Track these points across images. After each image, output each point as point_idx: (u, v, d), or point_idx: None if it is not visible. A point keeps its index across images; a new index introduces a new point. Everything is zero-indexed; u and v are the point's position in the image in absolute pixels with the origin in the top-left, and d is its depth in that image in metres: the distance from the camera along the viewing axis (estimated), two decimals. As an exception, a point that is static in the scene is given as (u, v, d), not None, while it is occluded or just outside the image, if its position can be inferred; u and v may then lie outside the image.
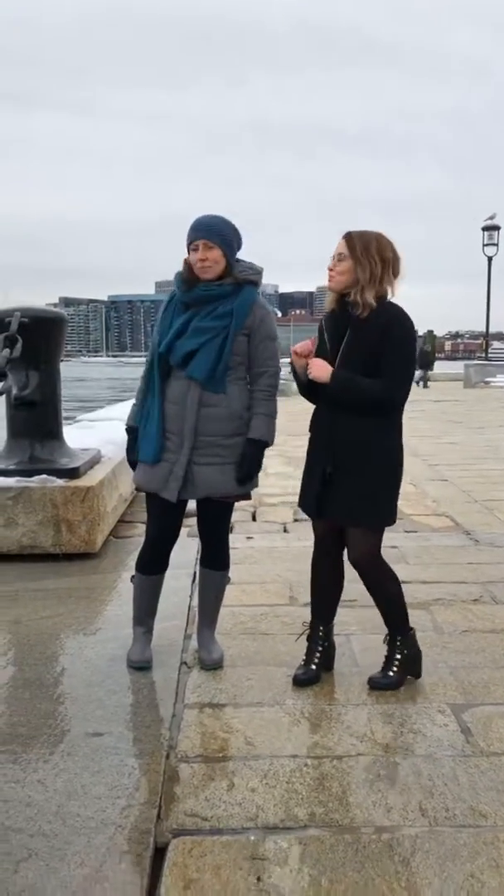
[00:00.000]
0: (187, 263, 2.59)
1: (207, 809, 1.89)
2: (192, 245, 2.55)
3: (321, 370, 2.43)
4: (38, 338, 4.29)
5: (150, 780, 2.00)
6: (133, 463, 2.73)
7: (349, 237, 2.45)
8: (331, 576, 2.66)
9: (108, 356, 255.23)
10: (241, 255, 2.69)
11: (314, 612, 2.69)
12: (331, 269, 2.46)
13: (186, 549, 3.61)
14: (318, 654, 2.62)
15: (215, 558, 2.82)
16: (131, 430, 2.72)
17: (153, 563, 2.76)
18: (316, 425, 2.59)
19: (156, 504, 2.68)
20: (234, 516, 5.32)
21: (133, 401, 2.81)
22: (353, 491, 2.45)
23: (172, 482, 2.59)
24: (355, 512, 2.48)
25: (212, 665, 2.72)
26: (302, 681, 2.57)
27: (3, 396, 3.49)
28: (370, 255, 2.40)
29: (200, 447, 2.58)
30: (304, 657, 2.64)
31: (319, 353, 2.52)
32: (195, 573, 3.47)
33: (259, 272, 2.67)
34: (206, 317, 2.57)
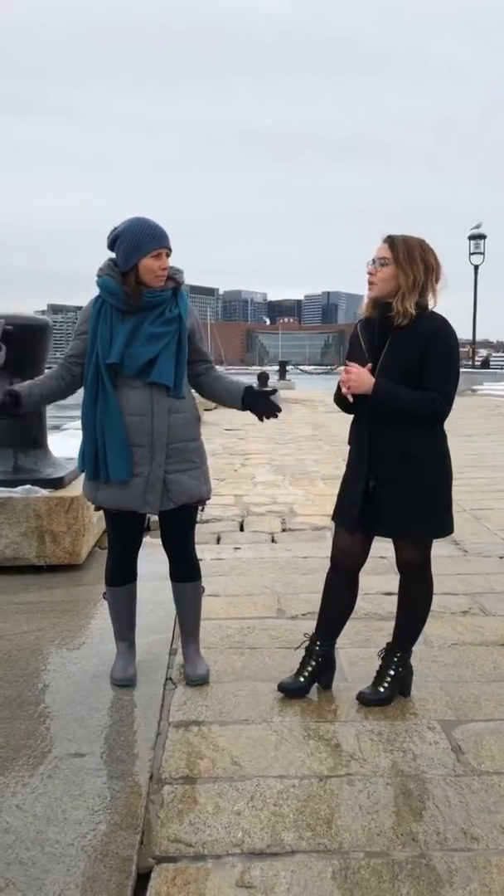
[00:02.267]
0: (132, 274, 2.45)
1: (192, 834, 1.84)
2: (153, 252, 2.44)
3: (360, 382, 2.32)
4: (23, 346, 4.22)
5: (132, 804, 1.94)
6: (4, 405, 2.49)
7: (392, 242, 2.34)
8: (345, 594, 2.58)
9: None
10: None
11: (319, 628, 2.61)
12: (371, 275, 2.35)
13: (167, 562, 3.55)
14: (310, 668, 2.56)
15: (187, 569, 2.74)
16: (11, 393, 2.50)
17: (123, 575, 2.71)
18: (356, 437, 2.49)
19: (120, 520, 2.63)
20: (221, 526, 5.31)
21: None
22: (399, 502, 2.38)
23: (150, 495, 2.51)
24: (402, 525, 2.41)
25: (197, 680, 2.66)
26: (287, 688, 2.52)
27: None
28: (414, 261, 2.31)
29: (171, 455, 2.52)
30: (298, 667, 2.58)
31: (355, 362, 2.39)
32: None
33: (182, 272, 2.59)
34: (156, 322, 2.49)
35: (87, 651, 2.94)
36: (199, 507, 2.69)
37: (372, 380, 2.32)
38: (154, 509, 2.55)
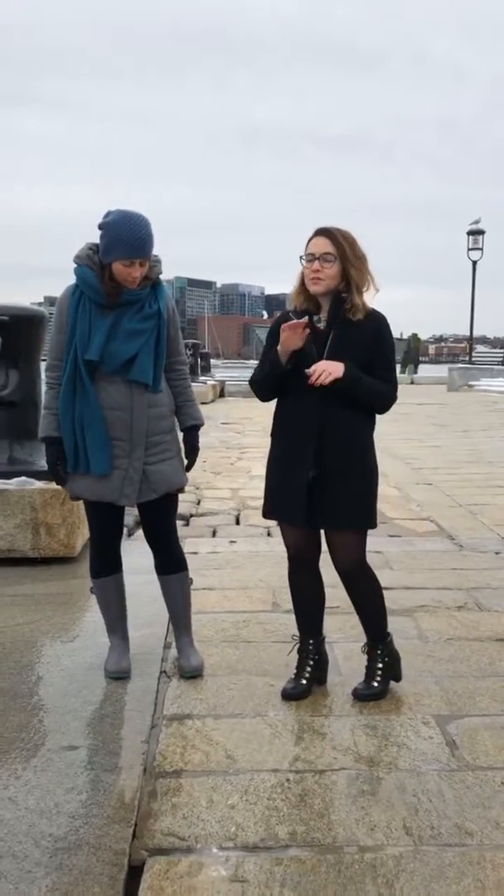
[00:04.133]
0: (108, 269, 2.42)
1: (185, 828, 1.83)
2: (125, 261, 2.40)
3: (333, 367, 2.25)
4: (18, 336, 4.21)
5: (125, 797, 1.93)
6: (60, 476, 2.59)
7: (332, 236, 2.31)
8: (311, 587, 2.57)
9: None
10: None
11: (300, 627, 2.62)
12: (317, 272, 2.30)
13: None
14: (308, 668, 2.55)
15: (170, 561, 2.72)
16: (52, 441, 2.55)
17: (107, 566, 2.72)
18: (297, 425, 2.39)
19: (99, 511, 2.62)
20: (217, 520, 5.30)
21: (43, 410, 2.62)
22: (345, 494, 2.36)
23: (128, 487, 2.52)
24: (347, 516, 2.39)
25: (191, 672, 2.65)
26: (291, 695, 2.49)
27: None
28: (357, 255, 2.33)
29: (149, 447, 2.54)
30: (295, 670, 2.56)
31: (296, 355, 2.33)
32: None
33: (159, 262, 2.55)
34: (135, 318, 2.48)
35: (82, 644, 2.93)
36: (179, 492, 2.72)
37: (342, 365, 2.28)
38: (131, 502, 2.56)
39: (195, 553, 4.23)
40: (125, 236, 2.39)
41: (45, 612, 3.29)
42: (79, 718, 2.33)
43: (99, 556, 2.73)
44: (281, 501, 2.45)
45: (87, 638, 2.98)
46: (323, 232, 2.34)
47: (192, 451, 2.72)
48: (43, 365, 4.65)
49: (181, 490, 2.72)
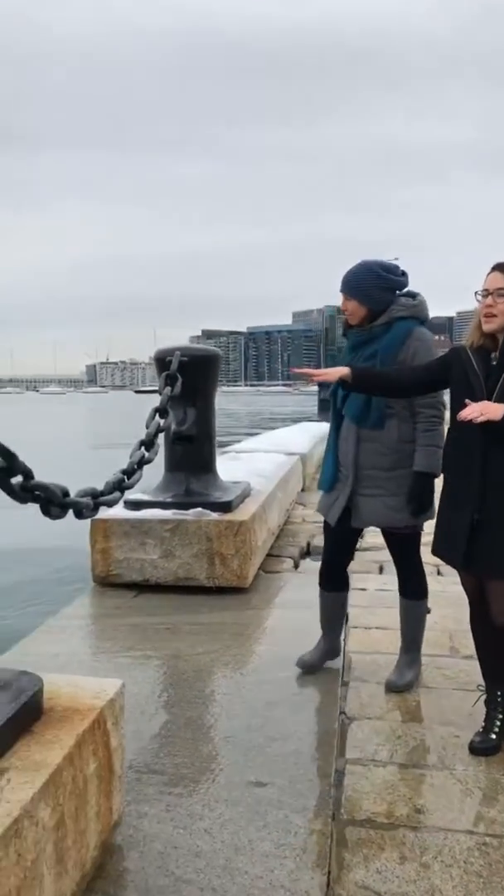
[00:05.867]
0: None
1: (380, 883, 1.78)
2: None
3: (494, 407, 2.16)
4: (196, 375, 4.43)
5: (317, 842, 1.92)
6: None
7: None
8: (494, 633, 2.42)
9: (247, 385, 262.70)
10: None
11: (485, 676, 2.49)
12: (490, 307, 2.24)
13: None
14: (498, 722, 2.41)
15: (404, 587, 2.97)
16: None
17: (328, 581, 3.03)
18: (459, 459, 2.34)
19: (327, 528, 2.97)
20: (384, 555, 5.18)
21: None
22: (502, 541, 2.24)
23: (335, 509, 2.86)
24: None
25: (395, 688, 2.82)
26: (480, 750, 2.37)
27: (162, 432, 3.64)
28: None
29: (363, 479, 2.79)
30: (483, 723, 2.44)
31: (460, 388, 2.32)
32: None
33: (410, 306, 2.78)
34: (359, 359, 2.78)
35: (261, 677, 2.98)
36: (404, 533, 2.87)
37: (502, 408, 2.15)
38: (332, 521, 2.88)
39: (363, 589, 4.18)
40: None
41: (223, 641, 3.39)
42: (263, 754, 2.36)
43: (324, 570, 3.04)
44: (443, 540, 2.40)
45: (265, 672, 3.03)
46: (499, 267, 2.29)
47: (410, 492, 2.75)
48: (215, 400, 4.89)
49: (396, 530, 2.85)
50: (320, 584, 3.05)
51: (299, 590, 4.27)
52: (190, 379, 4.40)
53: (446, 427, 2.56)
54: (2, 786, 1.38)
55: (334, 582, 3.02)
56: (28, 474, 1.91)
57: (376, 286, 2.77)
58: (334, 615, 3.07)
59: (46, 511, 2.09)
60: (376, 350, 2.75)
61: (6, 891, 1.25)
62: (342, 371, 2.61)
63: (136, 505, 4.31)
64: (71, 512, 2.18)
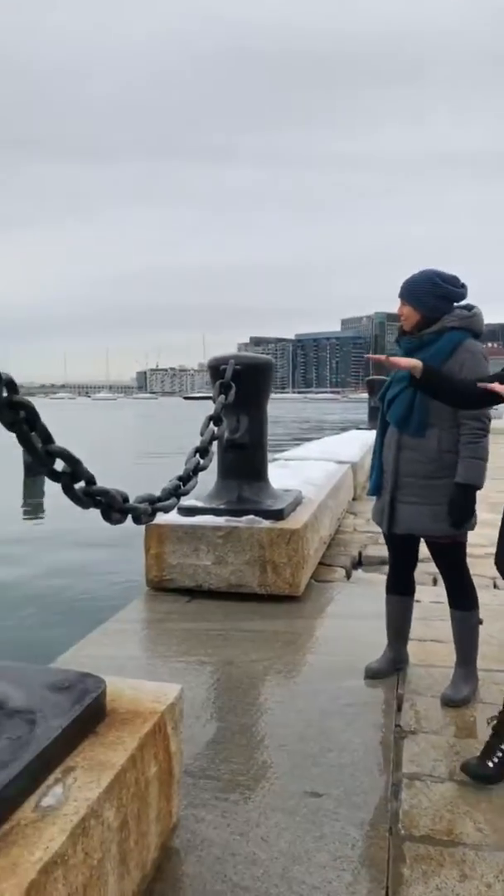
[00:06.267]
0: None
1: (439, 901, 1.75)
2: None
3: None
4: (249, 383, 4.46)
5: (374, 856, 1.90)
6: None
7: None
8: None
9: (294, 392, 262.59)
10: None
11: None
12: None
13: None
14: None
15: (451, 597, 2.97)
16: None
17: (392, 584, 3.09)
18: None
19: (384, 533, 3.01)
20: (425, 567, 5.10)
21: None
22: None
23: (382, 516, 2.93)
24: None
25: (451, 703, 2.78)
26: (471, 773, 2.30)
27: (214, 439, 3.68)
28: None
29: (402, 486, 2.83)
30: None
31: None
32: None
33: (464, 317, 2.79)
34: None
35: (314, 687, 2.97)
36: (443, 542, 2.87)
37: None
38: (383, 528, 2.96)
39: (418, 601, 4.09)
40: None
41: (276, 649, 3.39)
42: (318, 765, 2.35)
43: (390, 574, 3.10)
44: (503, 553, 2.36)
45: (318, 682, 3.02)
46: None
47: (451, 504, 2.75)
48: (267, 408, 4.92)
49: (436, 539, 2.87)
50: (386, 588, 3.09)
51: (351, 600, 4.25)
52: (243, 387, 4.44)
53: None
54: (69, 784, 1.41)
55: (398, 586, 3.06)
56: (91, 480, 1.96)
57: (432, 293, 2.79)
58: (399, 621, 3.08)
59: (107, 516, 2.14)
60: (424, 358, 2.74)
61: (74, 889, 1.28)
62: (414, 362, 2.61)
63: (189, 511, 4.35)
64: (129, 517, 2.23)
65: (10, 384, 1.72)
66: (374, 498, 3.06)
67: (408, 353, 2.82)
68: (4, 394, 1.70)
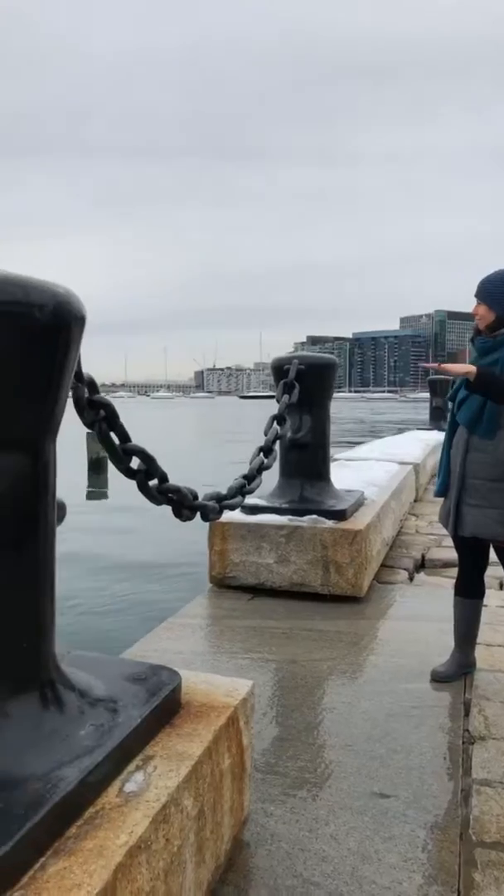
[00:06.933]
0: None
1: (513, 909, 1.73)
2: None
3: None
4: (313, 384, 4.47)
5: (445, 860, 1.89)
6: None
7: None
8: None
9: (351, 391, 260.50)
10: None
11: None
12: None
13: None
14: None
15: None
16: None
17: (460, 586, 3.06)
18: None
19: (452, 535, 2.99)
20: (492, 571, 4.99)
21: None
22: None
23: (448, 518, 2.92)
24: None
25: None
26: None
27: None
28: None
29: (468, 489, 2.82)
30: None
31: None
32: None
33: None
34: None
35: (379, 688, 2.96)
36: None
37: None
38: (449, 529, 2.93)
39: (485, 606, 4.03)
40: None
41: (339, 649, 3.39)
42: (386, 766, 2.35)
43: (459, 576, 3.06)
44: None
45: (382, 683, 3.01)
46: None
47: None
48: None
49: (500, 541, 2.84)
50: (455, 590, 3.08)
51: (414, 602, 4.20)
52: (306, 387, 4.45)
53: None
54: (149, 772, 1.46)
55: (466, 588, 3.03)
56: (164, 477, 2.01)
57: None
58: (468, 624, 3.05)
59: (178, 513, 2.19)
60: (497, 359, 2.74)
61: (156, 873, 1.32)
62: (468, 368, 2.63)
63: (252, 509, 4.39)
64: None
65: (92, 385, 1.79)
66: (439, 499, 3.05)
67: (482, 353, 2.80)
68: (86, 394, 1.77)
